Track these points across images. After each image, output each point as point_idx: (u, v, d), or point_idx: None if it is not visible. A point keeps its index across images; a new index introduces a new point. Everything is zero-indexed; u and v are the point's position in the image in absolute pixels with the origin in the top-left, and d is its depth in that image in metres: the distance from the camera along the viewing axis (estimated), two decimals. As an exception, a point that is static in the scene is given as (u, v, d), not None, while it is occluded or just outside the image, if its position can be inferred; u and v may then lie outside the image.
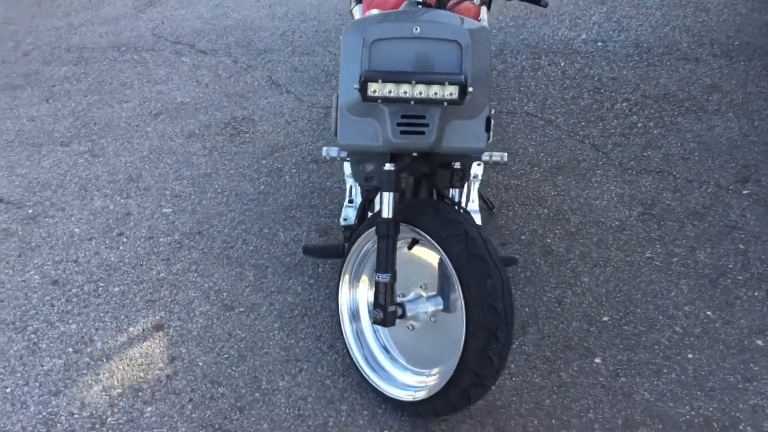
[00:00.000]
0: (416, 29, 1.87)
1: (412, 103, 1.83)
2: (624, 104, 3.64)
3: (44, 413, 2.22)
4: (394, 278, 1.96)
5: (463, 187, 2.19)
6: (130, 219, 3.04)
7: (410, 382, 2.15)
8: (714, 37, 4.18)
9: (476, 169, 2.76)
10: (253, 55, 4.38)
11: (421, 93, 1.82)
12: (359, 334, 2.27)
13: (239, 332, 2.48)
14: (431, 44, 1.87)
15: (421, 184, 2.29)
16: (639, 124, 3.48)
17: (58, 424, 2.18)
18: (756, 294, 2.53)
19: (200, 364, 2.37)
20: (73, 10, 5.27)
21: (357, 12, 2.91)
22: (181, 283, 2.70)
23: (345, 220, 2.54)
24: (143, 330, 2.51)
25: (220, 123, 3.70)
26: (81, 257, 2.85)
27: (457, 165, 2.09)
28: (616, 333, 2.42)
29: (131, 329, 2.51)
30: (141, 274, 2.75)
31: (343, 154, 2.38)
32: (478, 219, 2.56)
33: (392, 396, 2.12)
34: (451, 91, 1.81)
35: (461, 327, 1.89)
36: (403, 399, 2.10)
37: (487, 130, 1.97)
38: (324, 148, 2.61)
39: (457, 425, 2.13)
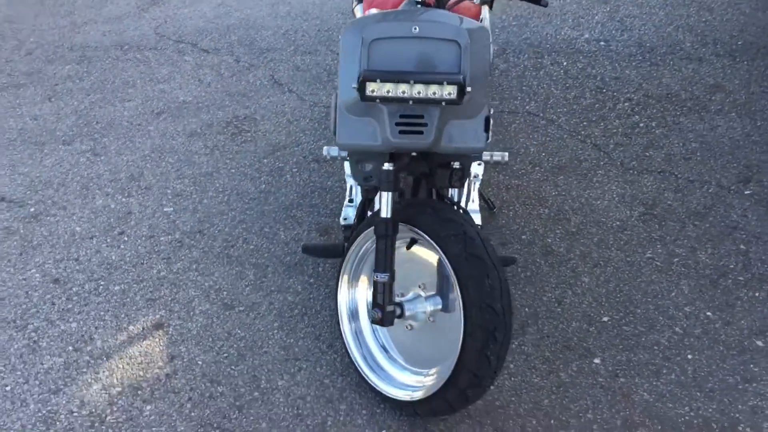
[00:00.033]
0: (415, 29, 1.87)
1: (411, 102, 1.83)
2: (626, 104, 3.63)
3: (44, 411, 2.22)
4: (392, 278, 1.96)
5: (462, 186, 2.18)
6: (131, 218, 3.05)
7: (408, 382, 2.15)
8: (717, 36, 4.17)
9: (477, 168, 2.76)
10: (256, 54, 4.38)
11: (419, 93, 1.81)
12: (358, 334, 2.27)
13: (239, 331, 2.49)
14: (430, 44, 1.87)
15: (421, 183, 2.29)
16: (641, 124, 3.47)
17: (58, 423, 2.19)
18: (756, 295, 2.53)
19: (200, 362, 2.37)
20: (77, 9, 5.28)
21: (359, 11, 2.91)
22: (182, 282, 2.70)
23: (345, 219, 2.54)
24: (143, 329, 2.51)
25: (222, 122, 3.70)
26: (82, 256, 2.85)
27: (457, 165, 2.08)
28: (615, 333, 2.41)
29: (131, 328, 2.52)
30: (141, 273, 2.75)
31: (344, 153, 2.38)
32: (478, 219, 2.56)
33: (390, 395, 2.12)
34: (449, 91, 1.81)
35: (459, 327, 1.89)
36: (401, 399, 2.10)
37: (486, 130, 1.96)
38: (325, 148, 2.62)
39: (456, 425, 2.13)
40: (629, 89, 3.74)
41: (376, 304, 1.96)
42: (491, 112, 2.00)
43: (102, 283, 2.72)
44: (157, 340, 2.47)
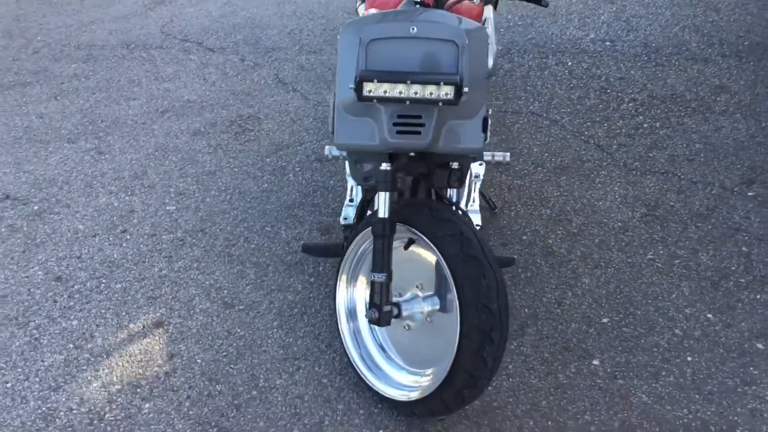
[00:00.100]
0: (413, 29, 1.86)
1: (408, 103, 1.83)
2: (630, 104, 3.62)
3: (43, 408, 2.24)
4: (389, 278, 1.96)
5: (461, 187, 2.18)
6: (133, 216, 3.06)
7: (405, 382, 2.15)
8: (724, 37, 4.15)
9: (478, 168, 2.76)
10: (261, 54, 4.39)
11: (416, 93, 1.81)
12: (356, 333, 2.27)
13: (238, 330, 2.49)
14: (428, 44, 1.86)
15: (420, 184, 2.28)
16: (645, 125, 3.46)
17: (57, 420, 2.20)
18: (758, 297, 2.51)
19: (199, 361, 2.38)
20: (84, 8, 5.31)
21: (362, 11, 2.91)
22: (183, 281, 2.71)
23: (345, 219, 2.54)
24: (143, 327, 2.52)
25: (226, 121, 3.71)
26: (84, 254, 2.87)
27: (455, 165, 2.08)
28: (615, 335, 2.41)
29: (132, 326, 2.53)
30: (143, 271, 2.76)
31: (345, 152, 2.38)
32: (478, 219, 2.56)
33: (387, 395, 2.12)
34: (446, 92, 1.81)
35: (456, 327, 1.89)
36: (398, 399, 2.10)
37: (484, 130, 1.96)
38: (326, 147, 2.62)
39: (453, 425, 2.13)
40: (634, 90, 3.73)
41: (373, 304, 1.96)
42: (489, 113, 2.00)
43: (104, 281, 2.73)
44: (157, 338, 2.48)
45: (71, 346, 2.46)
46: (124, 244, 2.91)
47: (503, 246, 2.79)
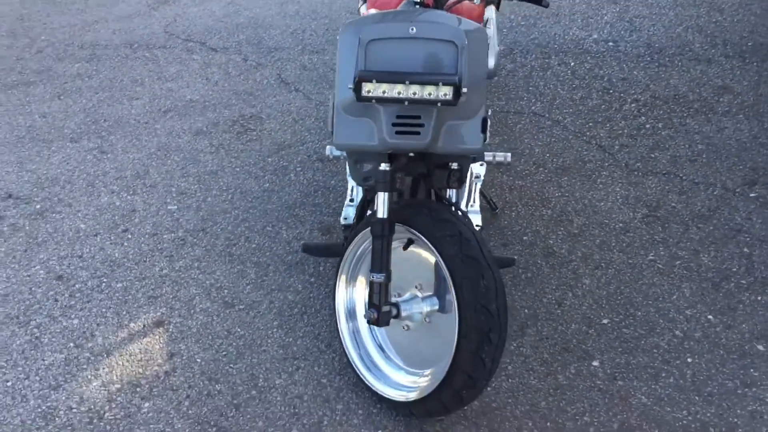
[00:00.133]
0: (412, 29, 1.86)
1: (407, 103, 1.82)
2: (633, 105, 3.61)
3: (43, 407, 2.24)
4: (388, 278, 1.96)
5: (460, 187, 2.18)
6: (135, 215, 3.07)
7: (404, 382, 2.15)
8: (727, 37, 4.13)
9: (478, 169, 2.75)
10: (263, 53, 4.40)
11: (415, 93, 1.81)
12: (355, 334, 2.27)
13: (238, 329, 2.50)
14: (427, 44, 1.86)
15: (419, 184, 2.28)
16: (647, 125, 3.45)
17: (57, 418, 2.20)
18: (759, 298, 2.51)
19: (199, 360, 2.39)
20: (88, 7, 5.32)
21: (364, 11, 2.91)
22: (183, 280, 2.71)
23: (345, 219, 2.55)
24: (144, 326, 2.53)
25: (228, 121, 3.72)
26: (86, 253, 2.88)
27: (455, 165, 2.08)
28: (615, 336, 2.40)
29: (132, 325, 2.53)
30: (144, 271, 2.77)
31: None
32: (479, 219, 2.56)
33: (386, 395, 2.12)
34: (445, 92, 1.80)
35: (455, 328, 1.89)
36: (396, 399, 2.10)
37: (484, 131, 1.96)
38: (328, 147, 2.62)
39: (452, 426, 2.13)
40: (636, 90, 3.72)
41: (371, 305, 1.96)
42: (489, 113, 2.00)
43: (105, 280, 2.74)
44: (157, 337, 2.48)
45: (72, 345, 2.47)
46: (126, 244, 2.91)
47: (504, 246, 2.78)
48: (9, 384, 2.32)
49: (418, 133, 1.89)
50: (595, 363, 2.32)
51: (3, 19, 5.21)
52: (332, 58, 4.27)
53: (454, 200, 2.41)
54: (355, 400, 2.23)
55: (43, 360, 2.41)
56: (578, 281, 2.62)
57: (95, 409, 2.23)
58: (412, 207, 2.03)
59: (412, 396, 2.05)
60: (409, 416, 2.13)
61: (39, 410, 2.23)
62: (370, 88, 1.81)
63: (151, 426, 2.17)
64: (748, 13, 4.36)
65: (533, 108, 3.64)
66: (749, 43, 4.05)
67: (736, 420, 2.11)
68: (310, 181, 3.22)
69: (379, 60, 1.85)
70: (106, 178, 3.32)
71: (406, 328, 2.13)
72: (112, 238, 2.95)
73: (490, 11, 3.07)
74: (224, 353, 2.41)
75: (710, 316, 2.45)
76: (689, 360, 2.31)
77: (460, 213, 2.10)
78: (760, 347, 2.33)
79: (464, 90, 1.81)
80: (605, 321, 2.46)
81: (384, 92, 1.81)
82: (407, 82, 1.80)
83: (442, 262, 1.91)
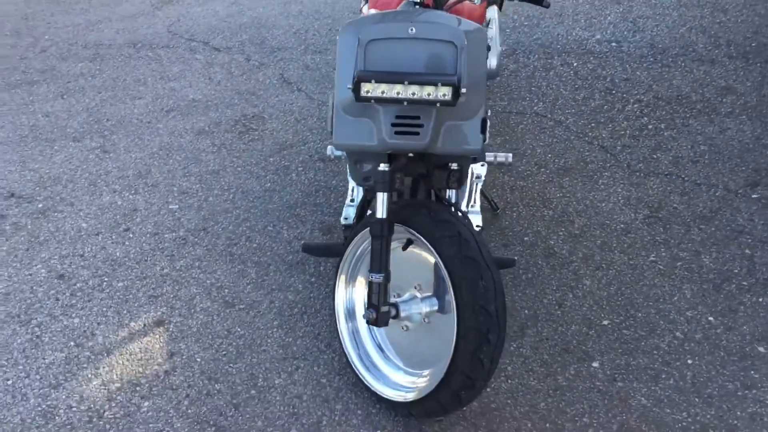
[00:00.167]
0: (412, 30, 1.86)
1: (406, 104, 1.82)
2: (635, 105, 3.60)
3: (43, 406, 2.25)
4: (387, 278, 1.96)
5: (460, 187, 2.18)
6: (136, 215, 3.07)
7: (402, 383, 2.15)
8: (731, 38, 4.12)
9: (479, 169, 2.75)
10: (266, 53, 4.40)
11: (414, 94, 1.81)
12: (355, 334, 2.27)
13: (238, 329, 2.50)
14: (426, 45, 1.86)
15: (419, 184, 2.28)
16: (650, 126, 3.44)
17: (57, 417, 2.21)
18: (760, 300, 2.50)
19: (198, 360, 2.39)
20: (92, 7, 5.33)
21: (366, 11, 2.91)
22: (184, 280, 2.72)
23: (346, 219, 2.54)
24: (144, 325, 2.53)
25: (230, 120, 3.72)
26: (87, 252, 2.88)
27: (454, 166, 2.08)
28: (615, 337, 2.40)
29: (132, 324, 2.54)
30: (145, 270, 2.77)
31: (346, 152, 2.38)
32: (479, 220, 2.55)
33: (384, 395, 2.12)
34: (444, 92, 1.80)
35: (453, 329, 1.88)
36: (395, 399, 2.10)
37: (483, 131, 1.96)
38: (329, 147, 2.62)
39: (451, 426, 2.13)
40: (639, 91, 3.71)
41: (370, 305, 1.96)
42: (489, 114, 2.00)
43: (106, 279, 2.74)
44: (157, 336, 2.48)
45: (72, 344, 2.47)
46: (127, 243, 2.92)
47: (505, 247, 2.78)
48: (9, 382, 2.33)
49: (417, 133, 1.89)
50: (595, 364, 2.31)
51: (7, 19, 5.23)
52: (334, 58, 4.26)
53: (454, 201, 2.41)
54: (354, 400, 2.23)
55: (44, 359, 2.42)
56: (579, 282, 2.61)
57: (95, 407, 2.24)
58: (411, 207, 2.03)
59: (411, 396, 2.05)
60: (407, 416, 2.13)
61: (39, 409, 2.24)
62: (369, 89, 1.81)
63: (151, 425, 2.18)
64: (752, 13, 4.35)
65: (535, 108, 3.63)
66: (753, 44, 4.03)
67: (736, 422, 2.11)
68: (311, 181, 3.22)
69: (378, 60, 1.85)
70: (108, 178, 3.33)
71: (405, 328, 2.13)
72: (114, 237, 2.95)
73: (493, 11, 3.06)
74: (224, 353, 2.41)
75: (711, 318, 2.45)
76: (689, 361, 2.30)
77: (459, 213, 2.10)
78: (761, 349, 2.33)
79: (463, 90, 1.81)
80: (605, 322, 2.46)
81: (383, 92, 1.81)
82: (406, 83, 1.80)
83: (441, 262, 1.91)
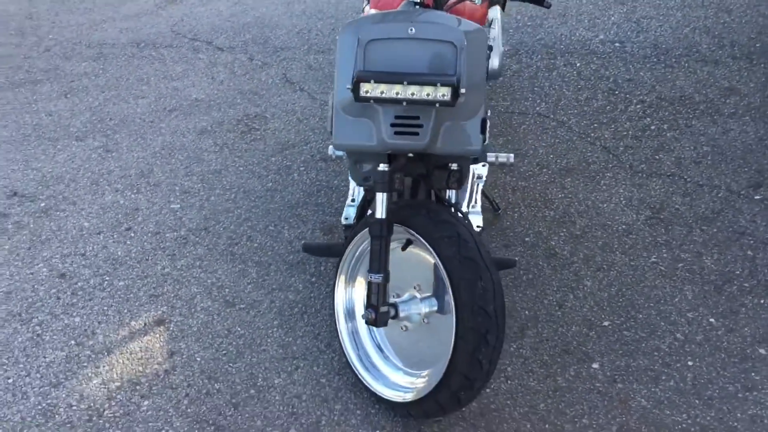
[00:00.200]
0: (411, 30, 1.86)
1: (405, 104, 1.82)
2: (638, 106, 3.59)
3: (44, 404, 2.25)
4: (386, 279, 1.96)
5: (460, 188, 2.17)
6: (138, 214, 3.08)
7: (401, 383, 2.14)
8: (735, 38, 4.11)
9: (480, 170, 2.74)
10: (269, 53, 4.40)
11: (413, 94, 1.80)
12: (354, 334, 2.27)
13: (239, 329, 2.50)
14: (426, 45, 1.86)
15: (419, 185, 2.28)
16: (652, 127, 3.43)
17: (57, 416, 2.21)
18: (762, 302, 2.49)
19: (198, 359, 2.39)
20: (96, 6, 5.34)
21: (367, 11, 2.91)
22: (185, 279, 2.72)
23: (346, 219, 2.54)
24: (145, 324, 2.54)
25: (233, 120, 3.73)
26: (89, 251, 2.89)
27: (454, 166, 2.07)
28: (615, 338, 2.39)
29: (133, 323, 2.54)
30: (146, 269, 2.78)
31: (347, 152, 2.38)
32: (480, 220, 2.54)
33: (383, 396, 2.12)
34: (443, 93, 1.80)
35: (452, 329, 1.88)
36: (394, 399, 2.10)
37: (483, 132, 1.95)
38: (330, 147, 2.62)
39: (450, 427, 2.12)
40: (642, 91, 3.70)
41: (369, 305, 1.96)
42: (489, 114, 1.99)
43: (107, 278, 2.75)
44: (157, 336, 2.49)
45: (73, 342, 2.48)
46: (128, 242, 2.92)
47: (506, 247, 2.78)
48: (10, 381, 2.34)
49: (416, 133, 1.89)
50: (595, 365, 2.31)
51: (11, 18, 5.24)
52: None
53: (454, 201, 2.41)
54: (353, 400, 2.23)
55: (44, 357, 2.42)
56: (580, 283, 2.61)
57: (95, 406, 2.24)
58: (411, 207, 2.03)
59: (410, 397, 2.05)
60: (406, 417, 2.13)
61: (39, 407, 2.24)
62: (368, 89, 1.81)
63: (150, 424, 2.18)
64: (756, 14, 4.33)
65: (538, 109, 3.63)
66: (757, 45, 4.02)
67: (736, 424, 2.10)
68: (313, 180, 3.23)
69: (377, 60, 1.85)
70: (111, 177, 3.33)
71: (404, 328, 2.13)
72: (115, 236, 2.96)
73: (495, 11, 3.06)
74: (224, 352, 2.42)
75: (712, 319, 2.44)
76: (690, 363, 2.29)
77: (459, 214, 2.10)
78: (762, 351, 2.32)
79: (462, 91, 1.81)
80: (606, 323, 2.45)
81: (382, 93, 1.81)
82: (405, 83, 1.79)
83: (440, 263, 1.90)
